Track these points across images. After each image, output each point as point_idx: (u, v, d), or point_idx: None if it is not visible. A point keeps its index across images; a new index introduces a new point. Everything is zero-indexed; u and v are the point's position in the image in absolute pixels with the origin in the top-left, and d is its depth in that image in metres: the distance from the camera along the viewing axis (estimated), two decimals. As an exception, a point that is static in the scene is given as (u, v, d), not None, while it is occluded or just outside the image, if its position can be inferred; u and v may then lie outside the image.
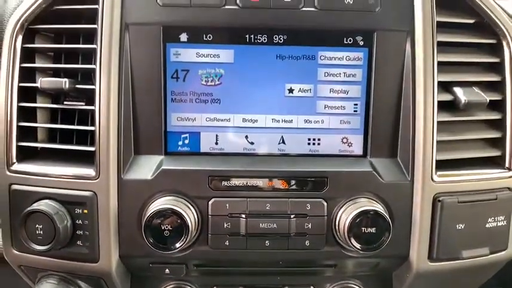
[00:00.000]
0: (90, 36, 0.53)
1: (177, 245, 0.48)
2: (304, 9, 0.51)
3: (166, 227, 0.48)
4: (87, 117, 0.54)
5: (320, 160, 0.54)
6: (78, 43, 0.54)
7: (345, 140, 0.55)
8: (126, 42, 0.51)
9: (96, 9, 0.51)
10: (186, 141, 0.54)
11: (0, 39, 0.59)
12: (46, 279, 0.53)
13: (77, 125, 0.53)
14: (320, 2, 0.51)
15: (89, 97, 0.52)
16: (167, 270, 0.53)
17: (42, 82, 0.50)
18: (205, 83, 0.53)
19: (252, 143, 0.54)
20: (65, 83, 0.50)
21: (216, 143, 0.54)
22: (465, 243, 0.53)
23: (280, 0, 0.51)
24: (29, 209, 0.48)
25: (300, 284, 0.58)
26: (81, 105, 0.52)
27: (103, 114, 0.50)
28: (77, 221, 0.50)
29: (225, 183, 0.51)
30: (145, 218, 0.48)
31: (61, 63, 0.54)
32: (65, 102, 0.53)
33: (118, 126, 0.50)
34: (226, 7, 0.51)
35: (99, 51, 0.50)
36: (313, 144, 0.54)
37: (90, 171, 0.50)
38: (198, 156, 0.54)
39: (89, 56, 0.53)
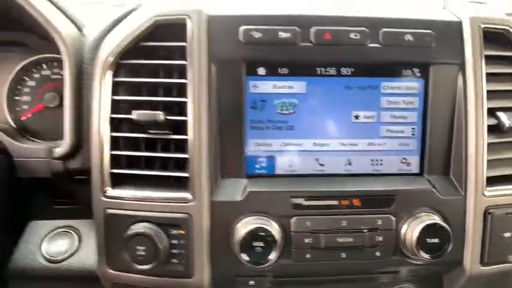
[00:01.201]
0: (173, 70, 0.58)
1: (270, 258, 0.54)
2: (370, 45, 0.57)
3: (259, 243, 0.54)
4: (168, 144, 0.58)
5: (384, 179, 0.60)
6: (163, 77, 0.58)
7: (403, 160, 0.61)
8: (212, 76, 0.56)
9: (185, 46, 0.56)
10: (263, 164, 0.60)
11: (80, 70, 0.63)
12: (137, 295, 0.58)
13: (159, 151, 0.58)
14: (384, 39, 0.57)
15: (174, 127, 0.57)
16: (252, 282, 0.59)
17: (138, 114, 0.55)
18: (280, 112, 0.59)
19: (322, 165, 0.60)
20: (159, 115, 0.55)
21: (290, 166, 0.60)
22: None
23: (349, 37, 0.57)
24: (133, 231, 0.53)
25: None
26: (175, 136, 0.56)
27: (196, 143, 0.55)
28: (172, 241, 0.55)
29: (305, 203, 0.57)
30: (241, 236, 0.53)
31: (142, 95, 0.59)
32: (150, 131, 0.58)
33: (208, 153, 0.55)
34: (301, 44, 0.57)
35: (192, 85, 0.55)
36: (376, 164, 0.61)
37: (186, 195, 0.55)
38: (276, 178, 0.59)
39: (169, 89, 0.58)
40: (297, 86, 0.59)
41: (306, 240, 0.56)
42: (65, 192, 0.70)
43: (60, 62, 0.83)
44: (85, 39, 0.64)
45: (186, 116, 0.55)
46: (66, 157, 0.62)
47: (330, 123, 0.60)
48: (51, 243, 0.67)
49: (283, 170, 0.60)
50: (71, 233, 0.69)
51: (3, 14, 0.75)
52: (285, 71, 0.58)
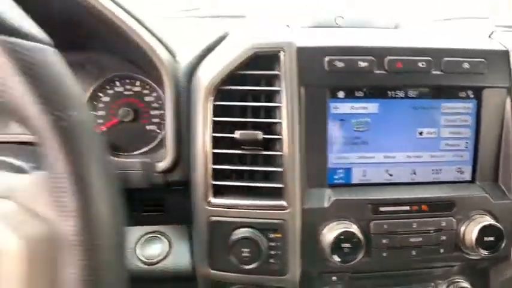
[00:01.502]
0: (261, 94, 0.66)
1: (356, 257, 0.62)
2: (433, 72, 0.67)
3: (346, 245, 0.62)
4: (256, 158, 0.67)
5: (444, 186, 0.70)
6: (252, 100, 0.67)
7: (458, 170, 0.71)
8: (301, 99, 0.65)
9: (279, 74, 0.64)
10: (341, 175, 0.69)
11: (177, 94, 0.71)
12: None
13: (251, 165, 0.66)
14: (445, 67, 0.67)
15: (265, 144, 0.65)
16: (334, 277, 0.68)
17: (241, 134, 0.63)
18: (356, 129, 0.68)
19: (390, 175, 0.70)
20: (259, 134, 0.63)
21: (364, 176, 0.69)
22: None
23: (417, 66, 0.66)
24: (240, 235, 0.61)
25: (421, 282, 0.74)
26: (271, 152, 0.65)
27: (290, 158, 0.63)
28: (270, 243, 0.63)
29: (382, 208, 0.66)
30: (331, 240, 0.62)
31: (234, 116, 0.67)
32: (244, 147, 0.66)
33: (300, 167, 0.64)
34: (376, 72, 0.66)
35: (285, 108, 0.63)
36: (436, 173, 0.71)
37: (282, 203, 0.63)
38: (353, 187, 0.68)
39: (257, 110, 0.66)
40: (371, 107, 0.68)
41: (384, 241, 0.65)
42: (154, 200, 0.78)
43: (132, 79, 0.91)
44: (178, 65, 0.72)
45: (280, 134, 0.64)
46: (167, 171, 0.70)
47: (398, 138, 0.69)
48: (144, 247, 0.75)
49: (358, 179, 0.69)
50: (160, 237, 0.77)
51: (83, 36, 0.82)
52: (360, 94, 0.67)
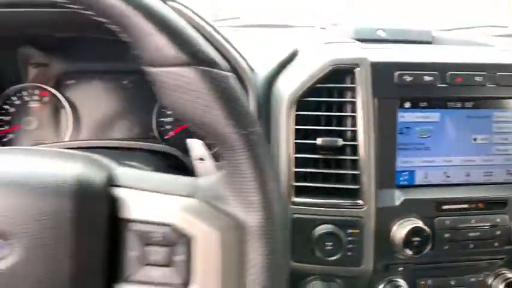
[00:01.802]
0: (333, 104, 0.74)
1: (425, 249, 0.70)
2: (488, 85, 0.75)
3: (417, 239, 0.70)
4: (329, 161, 0.74)
5: (495, 187, 0.78)
6: (325, 110, 0.74)
7: (508, 172, 0.80)
8: (374, 109, 0.72)
9: (355, 87, 0.72)
10: (406, 177, 0.77)
11: (259, 104, 0.78)
12: (313, 280, 0.74)
13: (328, 168, 0.74)
14: (499, 80, 0.75)
15: (338, 149, 0.73)
16: (400, 268, 0.76)
17: (323, 141, 0.71)
18: (420, 136, 0.76)
19: (448, 176, 0.78)
20: (339, 141, 0.71)
21: (425, 178, 0.77)
22: None
23: (474, 80, 0.74)
24: (325, 231, 0.69)
25: (471, 273, 0.83)
26: (349, 156, 0.72)
27: (366, 162, 0.71)
28: (348, 238, 0.71)
29: (444, 206, 0.74)
30: (403, 235, 0.70)
31: (309, 124, 0.74)
32: (322, 152, 0.73)
33: (372, 171, 0.72)
34: (438, 85, 0.74)
35: (361, 117, 0.71)
36: (488, 175, 0.79)
37: (359, 202, 0.71)
38: (416, 188, 0.76)
39: (330, 119, 0.74)
40: (433, 116, 0.76)
41: (446, 235, 0.73)
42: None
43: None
44: (257, 77, 0.79)
45: (355, 140, 0.72)
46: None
47: (456, 144, 0.77)
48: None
49: (421, 181, 0.77)
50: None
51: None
52: (424, 104, 0.75)
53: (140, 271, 0.40)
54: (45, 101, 0.94)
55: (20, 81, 0.94)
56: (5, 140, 0.93)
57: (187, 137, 0.96)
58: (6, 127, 0.93)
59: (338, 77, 0.73)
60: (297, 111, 0.72)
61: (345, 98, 0.74)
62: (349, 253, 0.72)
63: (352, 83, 0.72)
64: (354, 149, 0.72)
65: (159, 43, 0.37)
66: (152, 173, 0.46)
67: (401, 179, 0.77)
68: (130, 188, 0.42)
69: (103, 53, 0.93)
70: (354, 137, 0.72)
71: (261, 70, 0.80)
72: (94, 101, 0.96)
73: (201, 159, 0.50)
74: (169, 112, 0.97)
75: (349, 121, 0.74)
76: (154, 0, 0.38)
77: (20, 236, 0.37)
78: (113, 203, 0.41)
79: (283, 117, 0.73)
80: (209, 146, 0.68)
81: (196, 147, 0.51)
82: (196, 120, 0.39)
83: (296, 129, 0.72)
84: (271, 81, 0.78)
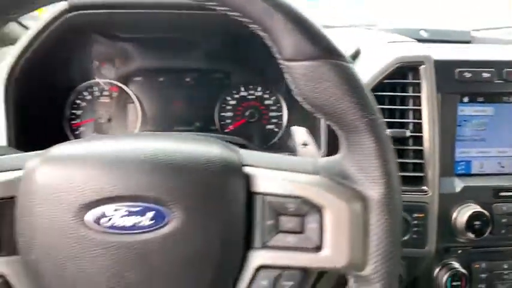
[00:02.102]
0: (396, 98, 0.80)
1: (485, 233, 0.76)
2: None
3: (477, 222, 0.76)
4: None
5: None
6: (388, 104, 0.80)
7: (556, 163, 0.86)
8: (438, 103, 0.78)
9: (420, 83, 0.78)
10: (463, 167, 0.83)
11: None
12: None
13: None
14: (549, 77, 0.81)
15: (401, 140, 0.79)
16: (460, 250, 0.82)
17: (392, 132, 0.76)
18: (476, 129, 0.82)
19: (502, 167, 0.84)
20: (406, 132, 0.77)
21: (481, 168, 0.83)
22: None
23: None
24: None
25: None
26: (414, 147, 0.78)
27: (430, 152, 0.77)
28: (414, 222, 0.77)
29: (501, 193, 0.80)
30: (465, 219, 0.76)
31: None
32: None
33: (436, 160, 0.78)
34: (495, 81, 0.80)
35: (426, 111, 0.77)
36: (538, 165, 0.85)
37: (424, 188, 0.77)
38: (474, 176, 0.82)
39: (393, 112, 0.80)
40: (489, 110, 0.82)
41: (503, 220, 0.79)
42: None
43: (254, 84, 1.05)
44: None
45: (420, 132, 0.78)
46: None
47: (510, 136, 0.83)
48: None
49: (477, 170, 0.83)
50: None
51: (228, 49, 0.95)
52: (481, 99, 0.81)
53: (276, 237, 0.46)
54: (114, 96, 1.01)
55: (90, 77, 1.01)
56: (77, 132, 1.00)
57: (246, 130, 1.03)
58: (78, 120, 1.00)
59: (402, 74, 0.79)
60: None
61: (408, 92, 0.80)
62: (415, 236, 0.77)
63: (415, 79, 0.78)
64: (418, 140, 0.78)
65: (296, 40, 0.43)
66: (273, 154, 0.52)
67: (459, 168, 0.83)
68: (260, 167, 0.48)
69: (170, 52, 0.99)
70: (418, 129, 0.78)
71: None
72: (159, 96, 1.02)
73: (305, 144, 0.56)
74: (229, 107, 1.04)
75: (411, 114, 0.80)
76: (290, 2, 0.44)
77: (179, 206, 0.43)
78: (248, 180, 0.47)
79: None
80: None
81: (299, 133, 0.57)
82: (327, 108, 0.45)
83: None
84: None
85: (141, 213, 0.42)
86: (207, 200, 0.44)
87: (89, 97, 1.00)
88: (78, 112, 1.00)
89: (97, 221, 0.42)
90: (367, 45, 0.87)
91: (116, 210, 0.42)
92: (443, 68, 0.79)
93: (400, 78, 0.79)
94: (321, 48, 0.44)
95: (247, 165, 0.48)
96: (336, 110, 0.45)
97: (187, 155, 0.45)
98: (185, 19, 0.78)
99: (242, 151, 0.50)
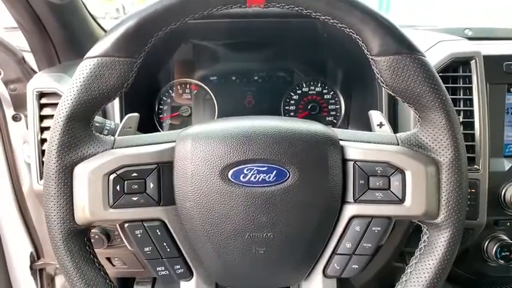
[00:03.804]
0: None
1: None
2: None
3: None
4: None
5: None
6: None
7: None
8: (488, 92, 0.89)
9: (471, 75, 0.89)
10: (511, 149, 0.93)
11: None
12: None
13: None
14: None
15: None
16: (508, 223, 0.92)
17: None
18: (522, 115, 0.92)
19: (547, 149, 0.94)
20: (460, 118, 0.88)
21: (524, 150, 0.94)
22: None
23: None
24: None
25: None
26: (464, 131, 0.89)
27: (482, 135, 0.88)
28: (468, 196, 0.88)
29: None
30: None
31: None
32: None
33: (486, 142, 0.89)
34: (538, 72, 0.90)
35: (477, 99, 0.88)
36: None
37: (477, 167, 0.88)
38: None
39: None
40: (534, 98, 0.92)
41: (544, 199, 0.89)
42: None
43: (318, 82, 1.18)
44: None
45: (472, 118, 0.89)
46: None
47: (553, 122, 0.93)
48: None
49: (521, 153, 0.94)
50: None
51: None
52: (526, 88, 0.92)
53: (366, 193, 0.59)
54: (194, 93, 1.16)
55: (173, 77, 1.17)
56: (164, 124, 1.16)
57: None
58: (165, 114, 1.16)
59: (454, 68, 0.90)
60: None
61: (458, 84, 0.91)
62: (468, 208, 0.88)
63: (466, 72, 0.89)
64: (469, 125, 0.89)
65: (384, 40, 0.56)
66: (354, 131, 0.65)
67: (507, 150, 0.93)
68: (349, 140, 0.61)
69: (242, 54, 1.14)
70: (469, 115, 0.89)
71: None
72: (231, 93, 1.17)
73: (381, 124, 0.68)
74: (292, 101, 1.18)
75: (462, 103, 0.91)
76: (379, 11, 0.58)
77: (295, 168, 0.57)
78: (343, 150, 0.60)
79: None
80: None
81: (376, 115, 0.69)
82: (408, 92, 0.57)
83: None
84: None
85: (268, 172, 0.56)
86: (315, 164, 0.58)
87: (173, 94, 1.16)
88: (165, 107, 1.16)
89: (237, 177, 0.56)
90: (420, 44, 0.99)
91: (249, 170, 0.56)
92: (492, 62, 0.89)
93: (452, 72, 0.90)
94: (404, 46, 0.56)
95: (341, 140, 0.61)
96: (414, 93, 0.57)
97: (299, 130, 0.59)
98: (268, 26, 0.92)
99: (336, 129, 0.63)
